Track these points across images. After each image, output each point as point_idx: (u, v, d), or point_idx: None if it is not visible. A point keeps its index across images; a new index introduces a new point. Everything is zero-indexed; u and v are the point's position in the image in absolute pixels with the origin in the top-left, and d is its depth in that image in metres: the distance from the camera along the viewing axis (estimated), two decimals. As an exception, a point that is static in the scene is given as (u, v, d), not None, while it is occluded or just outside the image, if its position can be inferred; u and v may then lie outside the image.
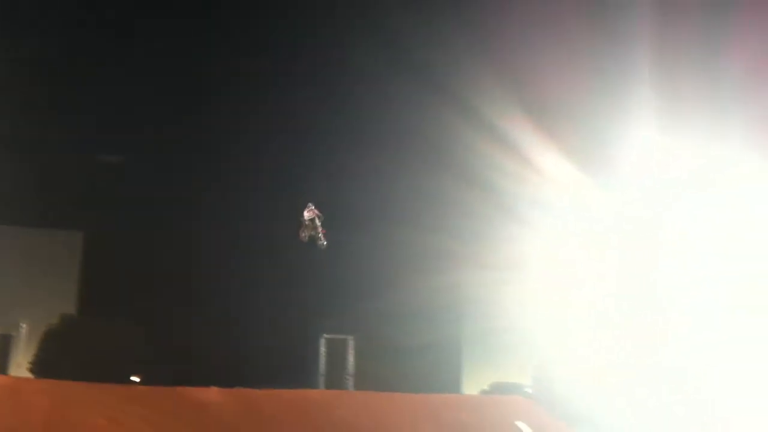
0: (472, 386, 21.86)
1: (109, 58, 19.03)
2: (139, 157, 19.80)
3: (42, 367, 17.47)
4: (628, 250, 19.94)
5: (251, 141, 20.04)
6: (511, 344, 23.29)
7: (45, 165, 18.52)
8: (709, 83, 17.26)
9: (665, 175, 19.12)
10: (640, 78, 17.85)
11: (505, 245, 19.92)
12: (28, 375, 17.29)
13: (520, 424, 15.34)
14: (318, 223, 16.54)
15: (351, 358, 16.90)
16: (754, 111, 16.61)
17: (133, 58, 19.04)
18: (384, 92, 19.26)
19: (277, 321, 19.04)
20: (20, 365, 17.78)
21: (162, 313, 18.65)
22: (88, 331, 17.95)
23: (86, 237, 19.27)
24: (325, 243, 16.54)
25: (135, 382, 18.37)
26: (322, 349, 16.83)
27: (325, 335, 16.90)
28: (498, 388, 20.32)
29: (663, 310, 19.41)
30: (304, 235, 16.64)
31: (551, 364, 21.08)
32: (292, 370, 17.77)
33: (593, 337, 19.70)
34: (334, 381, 16.50)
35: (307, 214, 16.57)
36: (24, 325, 18.34)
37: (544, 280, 20.84)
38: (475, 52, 18.75)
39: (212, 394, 15.41)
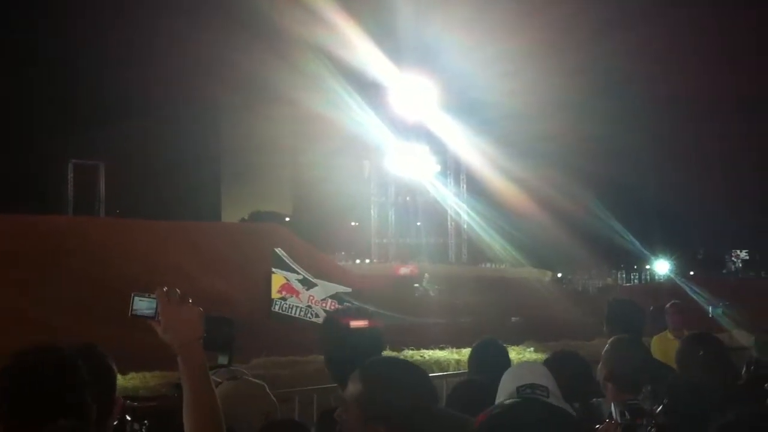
0: (231, 214, 22.13)
1: None
2: None
3: None
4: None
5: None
6: (272, 174, 23.76)
7: None
8: None
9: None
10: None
11: (270, 79, 19.82)
12: None
13: (277, 250, 15.89)
14: None
15: (102, 184, 16.29)
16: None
17: None
18: None
19: (22, 145, 17.79)
20: None
21: None
22: None
23: None
24: None
25: None
26: (71, 175, 16.01)
27: (74, 160, 16.06)
28: (257, 216, 20.72)
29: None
30: None
31: (308, 195, 21.90)
32: (40, 195, 16.89)
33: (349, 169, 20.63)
34: (84, 206, 15.86)
35: None
36: None
37: (313, 116, 21.16)
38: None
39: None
